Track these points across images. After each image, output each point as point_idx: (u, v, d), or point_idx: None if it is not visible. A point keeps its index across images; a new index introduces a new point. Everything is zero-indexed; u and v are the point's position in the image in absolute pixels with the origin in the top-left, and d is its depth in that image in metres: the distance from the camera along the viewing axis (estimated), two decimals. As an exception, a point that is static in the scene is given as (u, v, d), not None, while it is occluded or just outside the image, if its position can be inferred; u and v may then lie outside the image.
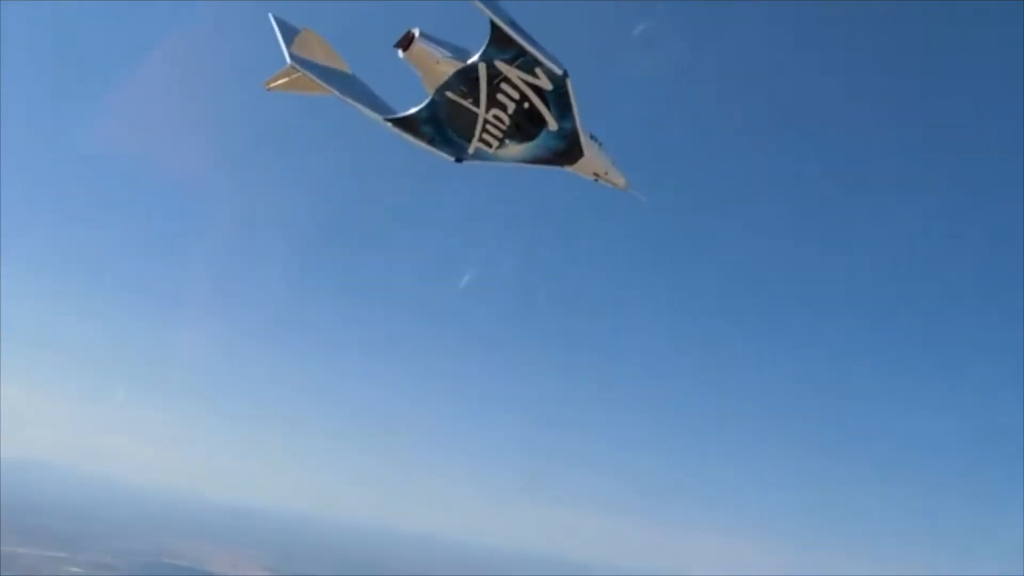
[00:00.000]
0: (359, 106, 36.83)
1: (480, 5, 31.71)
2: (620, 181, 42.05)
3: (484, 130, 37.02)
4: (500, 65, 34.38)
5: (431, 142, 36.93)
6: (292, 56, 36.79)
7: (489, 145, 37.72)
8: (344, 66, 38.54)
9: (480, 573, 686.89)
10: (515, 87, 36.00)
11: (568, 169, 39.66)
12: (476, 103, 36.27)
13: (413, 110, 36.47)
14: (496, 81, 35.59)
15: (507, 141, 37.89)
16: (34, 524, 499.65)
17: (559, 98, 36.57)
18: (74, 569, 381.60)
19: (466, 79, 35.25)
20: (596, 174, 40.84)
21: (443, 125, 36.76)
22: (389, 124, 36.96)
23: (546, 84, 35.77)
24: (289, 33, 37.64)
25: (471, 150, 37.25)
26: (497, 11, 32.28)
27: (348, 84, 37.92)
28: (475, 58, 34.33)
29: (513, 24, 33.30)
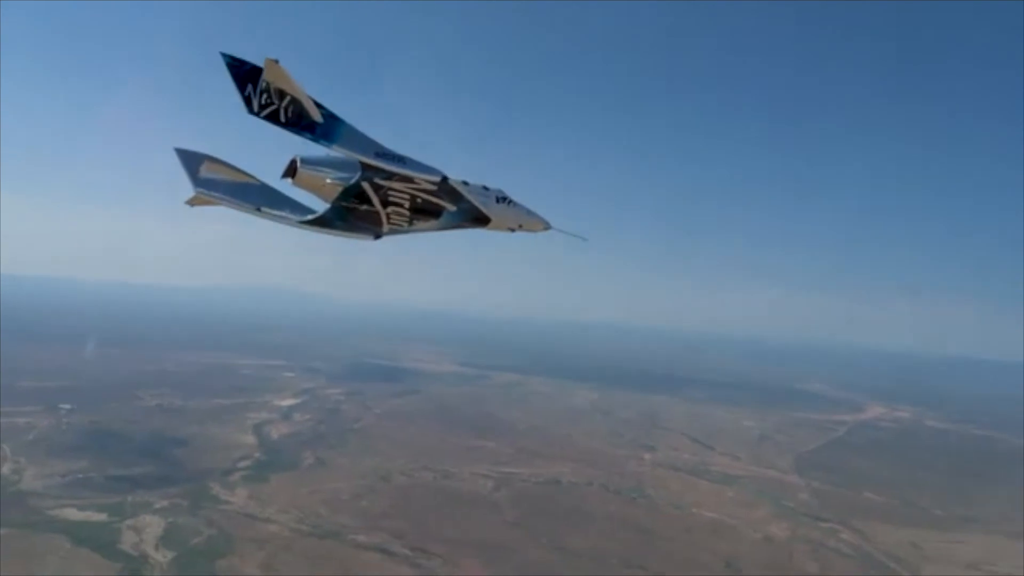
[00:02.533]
0: (270, 216, 40.81)
1: (344, 151, 35.96)
2: (537, 228, 46.71)
3: (389, 219, 41.30)
4: (381, 182, 38.56)
5: (347, 232, 41.39)
6: (197, 185, 41.08)
7: (400, 226, 42.11)
8: (252, 179, 42.32)
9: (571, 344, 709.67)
10: (402, 192, 39.90)
11: (486, 228, 44.50)
12: (372, 206, 40.22)
13: (321, 212, 40.41)
14: (383, 191, 39.43)
15: (415, 222, 42.21)
16: (258, 339, 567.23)
17: (447, 192, 40.94)
18: (288, 374, 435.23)
19: (355, 193, 39.46)
20: (511, 228, 45.44)
21: (351, 220, 40.80)
22: (304, 226, 41.22)
23: (430, 187, 39.49)
24: (193, 163, 41.63)
25: (385, 230, 41.89)
26: (365, 151, 36.65)
27: (257, 195, 41.76)
28: (356, 179, 38.28)
29: (382, 155, 37.05)
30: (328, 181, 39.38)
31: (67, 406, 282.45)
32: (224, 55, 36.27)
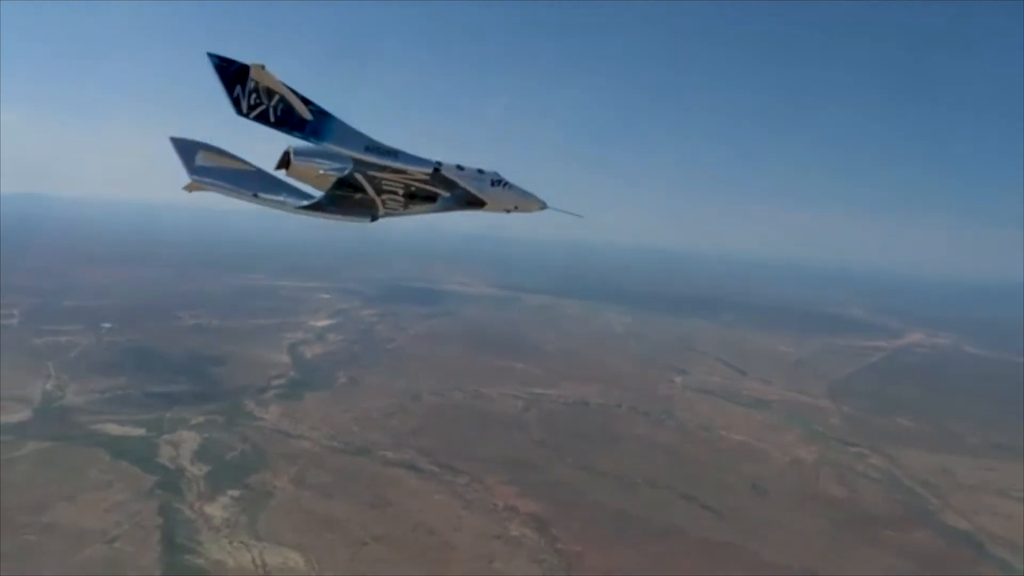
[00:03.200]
0: (267, 202, 41.84)
1: (335, 147, 37.33)
2: (533, 208, 47.54)
3: (384, 204, 42.17)
4: (374, 173, 39.34)
5: (343, 216, 42.18)
6: (193, 173, 41.96)
7: (395, 210, 43.08)
8: (247, 165, 42.96)
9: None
10: (396, 181, 40.70)
11: (482, 210, 45.42)
12: (366, 193, 41.09)
13: (317, 199, 41.32)
14: (376, 180, 40.28)
15: (410, 206, 43.07)
16: (296, 261, 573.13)
17: (441, 181, 41.69)
18: (324, 295, 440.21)
19: (349, 183, 40.23)
20: (507, 209, 46.33)
21: (346, 205, 41.56)
22: (300, 211, 42.44)
23: (423, 176, 40.48)
24: (188, 151, 42.32)
25: (381, 214, 42.83)
26: (356, 146, 37.42)
27: (253, 181, 42.76)
28: (349, 171, 39.10)
29: (373, 150, 38.11)
30: (321, 172, 39.99)
31: (108, 325, 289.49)
32: (211, 55, 35.79)
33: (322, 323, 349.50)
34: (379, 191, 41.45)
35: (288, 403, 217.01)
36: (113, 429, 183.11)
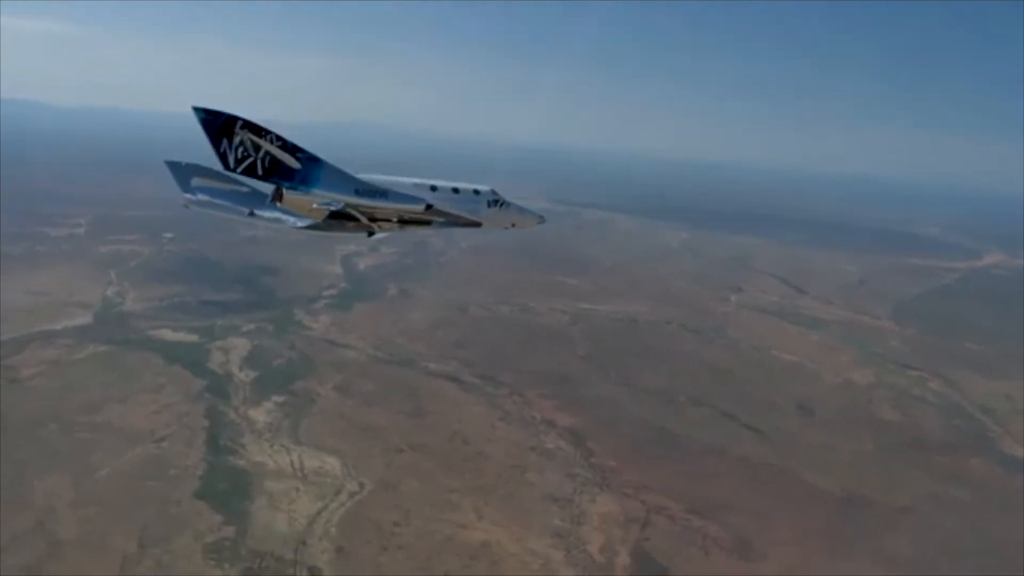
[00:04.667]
0: (263, 220, 44.26)
1: (325, 194, 39.58)
2: (530, 224, 50.18)
3: (380, 227, 44.72)
4: (369, 205, 41.41)
5: (341, 233, 47.15)
6: (187, 195, 45.16)
7: (391, 230, 45.22)
8: (242, 186, 45.05)
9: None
10: (388, 211, 42.67)
11: (479, 228, 47.90)
12: (360, 221, 43.04)
13: (313, 222, 43.71)
14: (369, 211, 42.18)
15: (407, 228, 45.81)
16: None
17: (434, 212, 43.68)
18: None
19: (343, 214, 41.72)
20: (504, 227, 48.92)
21: (343, 228, 43.73)
22: (299, 231, 45.83)
23: (415, 211, 42.72)
24: (184, 175, 45.24)
25: (377, 232, 45.49)
26: (346, 190, 39.92)
27: (249, 200, 45.03)
28: (342, 205, 40.49)
29: (363, 192, 40.41)
30: (315, 205, 40.63)
31: (169, 235, 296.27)
32: (196, 109, 37.04)
33: (376, 235, 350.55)
34: (373, 219, 43.40)
35: (337, 313, 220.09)
36: (168, 335, 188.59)
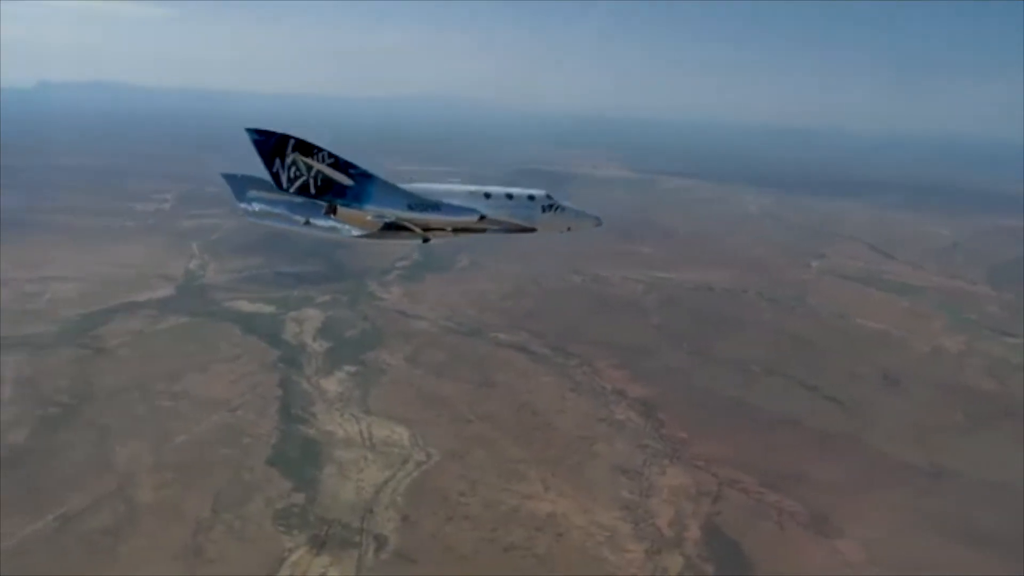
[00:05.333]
0: (319, 229, 44.03)
1: (378, 209, 40.80)
2: (587, 226, 50.28)
3: (434, 235, 45.19)
4: (422, 218, 42.59)
5: (396, 240, 45.46)
6: (244, 208, 44.92)
7: (446, 237, 46.02)
8: (295, 196, 43.18)
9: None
10: (444, 224, 43.59)
11: (534, 233, 47.74)
12: (414, 231, 43.64)
13: (368, 231, 43.71)
14: (424, 224, 43.11)
15: (460, 234, 45.74)
16: (425, 147, 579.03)
17: (488, 222, 44.38)
18: (454, 179, 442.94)
19: (397, 226, 42.53)
20: (561, 231, 48.87)
21: (398, 235, 44.16)
22: (355, 239, 47.94)
23: (468, 222, 43.65)
24: (239, 186, 44.84)
25: (432, 239, 45.68)
26: (398, 205, 40.81)
27: (304, 209, 43.96)
28: (395, 218, 41.57)
29: (416, 207, 41.39)
30: (369, 218, 41.44)
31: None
32: (249, 131, 38.56)
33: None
34: (427, 229, 44.01)
35: (409, 284, 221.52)
36: (245, 306, 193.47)
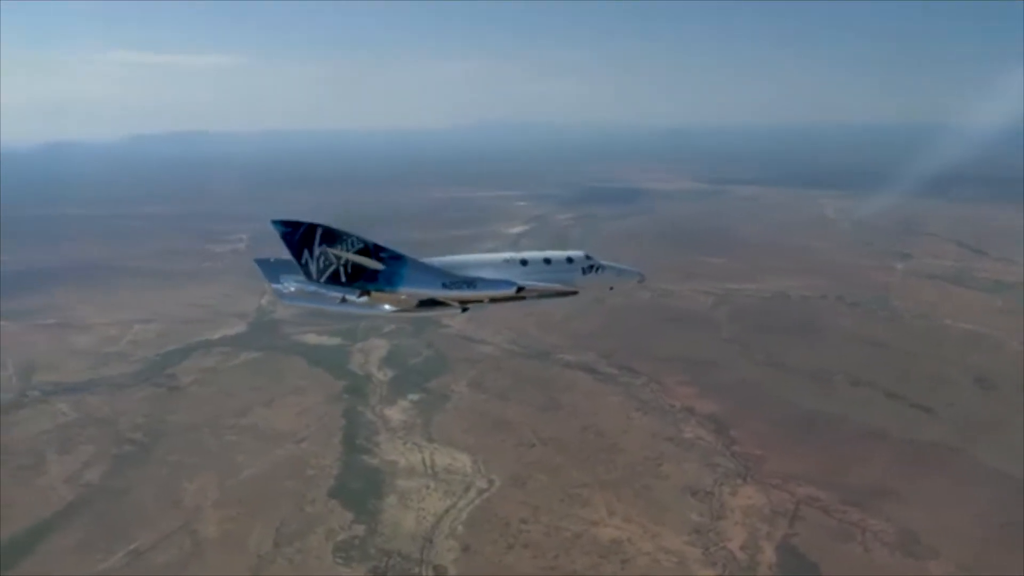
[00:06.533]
0: (355, 307, 42.61)
1: (412, 291, 39.76)
2: (630, 283, 49.28)
3: (471, 307, 43.99)
4: (457, 296, 41.75)
5: (434, 313, 44.23)
6: (276, 286, 43.55)
7: (484, 306, 44.51)
8: (326, 287, 42.27)
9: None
10: (481, 299, 42.59)
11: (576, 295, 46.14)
12: (450, 305, 42.87)
13: (405, 308, 43.18)
14: (460, 300, 42.34)
15: (499, 303, 44.23)
16: (494, 171, 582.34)
17: (526, 292, 42.80)
18: (520, 203, 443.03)
19: (433, 301, 41.83)
20: (604, 291, 48.35)
21: (435, 308, 43.17)
22: (391, 316, 45.70)
23: (508, 295, 42.14)
24: (273, 272, 43.67)
25: (469, 308, 44.30)
26: (432, 285, 40.07)
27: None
28: (430, 296, 40.92)
29: (450, 285, 40.59)
30: (404, 297, 40.91)
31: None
32: (275, 223, 37.58)
33: (516, 230, 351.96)
34: (463, 303, 43.20)
35: (473, 309, 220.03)
36: (312, 339, 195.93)
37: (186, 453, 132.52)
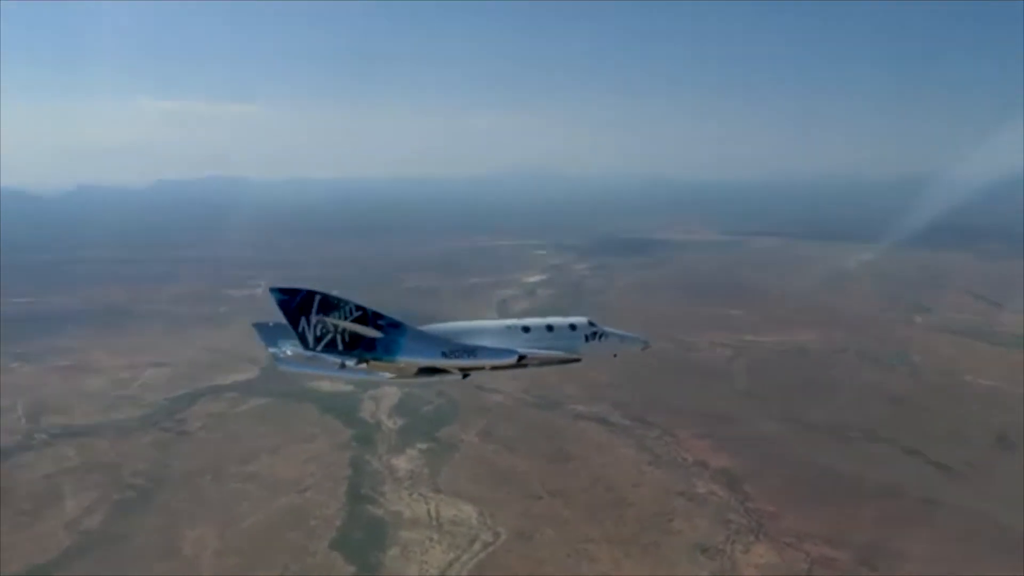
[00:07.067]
0: (355, 371, 41.84)
1: (411, 360, 39.54)
2: (634, 349, 48.38)
3: (471, 372, 43.25)
4: (457, 365, 41.55)
5: (430, 379, 43.68)
6: (274, 351, 43.46)
7: (485, 372, 44.29)
8: (324, 356, 41.88)
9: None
10: (482, 366, 42.24)
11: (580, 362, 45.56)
12: (450, 372, 42.38)
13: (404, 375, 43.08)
14: (460, 367, 41.91)
15: (499, 370, 43.93)
16: (515, 221, 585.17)
17: (527, 360, 42.38)
18: (540, 252, 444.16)
19: (433, 368, 41.59)
20: (607, 358, 47.81)
21: (435, 374, 42.77)
22: (392, 381, 45.96)
23: (509, 363, 41.92)
24: (271, 337, 43.54)
25: (470, 375, 43.75)
26: (431, 354, 39.80)
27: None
28: (428, 364, 40.70)
29: (450, 354, 40.17)
30: (403, 365, 40.64)
31: (335, 292, 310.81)
32: (273, 290, 38.15)
33: (534, 279, 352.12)
34: (463, 371, 42.46)
35: (477, 372, 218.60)
36: (325, 386, 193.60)
37: (188, 500, 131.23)
